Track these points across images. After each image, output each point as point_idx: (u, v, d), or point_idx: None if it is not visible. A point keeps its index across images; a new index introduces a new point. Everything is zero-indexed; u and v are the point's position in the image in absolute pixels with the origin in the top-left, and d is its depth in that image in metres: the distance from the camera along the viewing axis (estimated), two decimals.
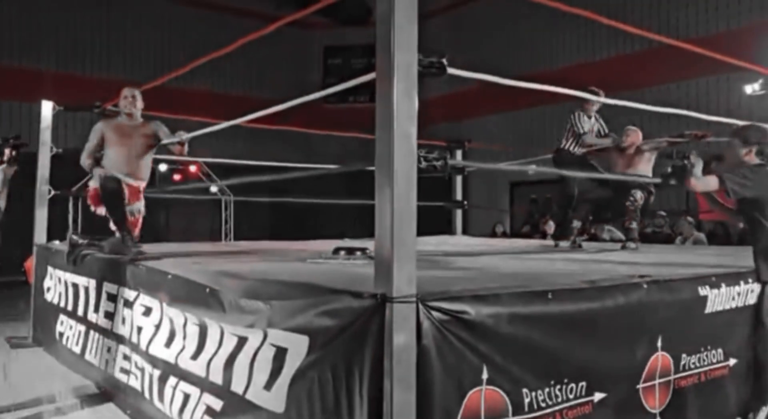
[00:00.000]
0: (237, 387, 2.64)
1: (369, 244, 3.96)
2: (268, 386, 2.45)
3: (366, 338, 2.07)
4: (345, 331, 2.17)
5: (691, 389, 2.86)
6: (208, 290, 2.95)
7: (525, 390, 2.28)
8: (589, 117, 5.53)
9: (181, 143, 4.47)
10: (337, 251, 3.96)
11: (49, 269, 5.20)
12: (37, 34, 12.26)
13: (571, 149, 5.51)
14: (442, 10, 13.72)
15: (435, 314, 2.08)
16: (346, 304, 2.17)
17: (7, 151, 4.03)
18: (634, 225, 5.41)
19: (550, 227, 6.47)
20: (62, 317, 4.80)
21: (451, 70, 2.55)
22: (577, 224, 5.73)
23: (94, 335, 4.18)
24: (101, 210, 4.43)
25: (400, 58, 2.06)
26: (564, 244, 5.71)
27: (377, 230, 2.10)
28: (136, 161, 4.50)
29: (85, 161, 4.51)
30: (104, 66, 12.81)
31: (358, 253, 3.83)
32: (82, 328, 4.38)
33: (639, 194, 5.30)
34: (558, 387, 2.37)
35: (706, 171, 3.33)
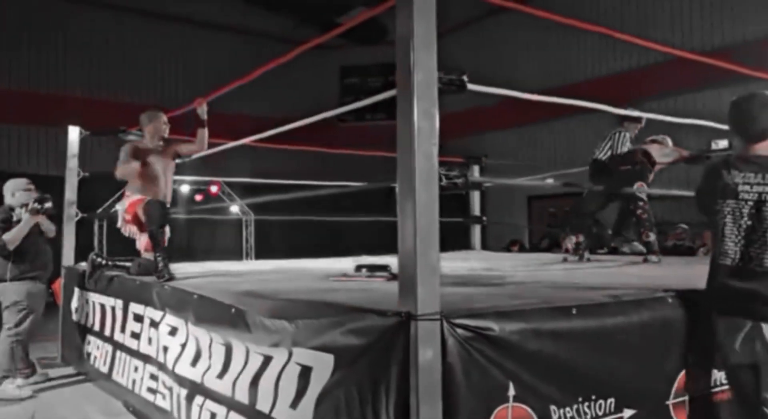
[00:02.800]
0: (263, 405, 2.63)
1: (389, 260, 3.96)
2: (294, 404, 2.45)
3: (391, 356, 2.06)
4: (370, 349, 2.16)
5: (724, 405, 2.78)
6: (233, 310, 2.96)
7: (553, 407, 2.24)
8: (631, 139, 5.42)
9: (201, 125, 4.49)
10: (359, 268, 3.96)
11: (77, 290, 5.26)
12: (63, 60, 12.52)
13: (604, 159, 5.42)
14: (457, 27, 13.76)
15: (459, 331, 2.06)
16: (371, 322, 2.17)
17: (33, 205, 4.53)
18: (653, 238, 5.30)
19: (571, 241, 6.38)
20: (90, 337, 4.85)
21: (471, 87, 2.57)
22: (581, 238, 5.68)
23: (121, 355, 4.21)
24: (142, 235, 4.43)
25: (420, 77, 2.08)
26: (572, 258, 5.65)
27: (400, 248, 2.10)
28: (169, 184, 4.56)
29: (127, 172, 4.34)
30: (126, 90, 13.02)
31: (380, 270, 3.83)
32: (110, 348, 4.41)
33: (644, 194, 5.20)
34: (586, 403, 2.32)
35: None
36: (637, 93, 10.54)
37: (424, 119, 2.07)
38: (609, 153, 5.41)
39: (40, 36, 12.23)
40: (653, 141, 5.53)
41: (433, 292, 2.03)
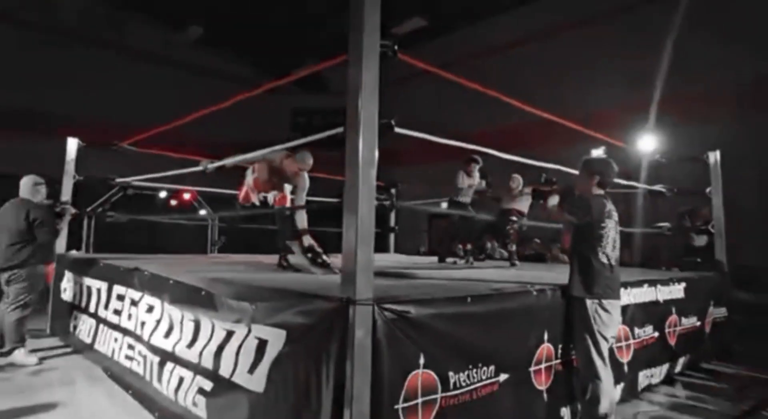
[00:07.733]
0: (225, 371, 2.49)
1: (334, 259, 3.88)
2: (251, 370, 2.33)
3: (333, 332, 2.02)
4: (316, 327, 2.10)
5: (567, 371, 2.90)
6: (203, 292, 2.80)
7: (451, 372, 2.26)
8: (469, 175, 5.51)
9: None
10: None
11: (66, 273, 4.81)
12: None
13: (456, 198, 5.50)
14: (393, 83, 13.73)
15: (386, 314, 2.05)
16: (318, 306, 2.11)
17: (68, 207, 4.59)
18: (514, 248, 5.56)
19: (459, 248, 6.46)
20: (76, 313, 4.43)
21: (397, 130, 2.59)
22: (469, 247, 5.72)
23: (103, 328, 3.87)
24: (271, 193, 4.33)
25: (365, 119, 2.06)
26: (460, 262, 5.68)
27: (344, 248, 2.06)
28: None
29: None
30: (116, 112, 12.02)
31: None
32: (93, 322, 4.05)
33: (515, 222, 5.44)
34: (474, 369, 2.36)
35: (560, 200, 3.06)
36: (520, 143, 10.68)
37: (368, 151, 2.05)
38: (456, 191, 5.45)
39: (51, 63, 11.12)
40: (513, 177, 5.68)
41: (368, 283, 2.01)
